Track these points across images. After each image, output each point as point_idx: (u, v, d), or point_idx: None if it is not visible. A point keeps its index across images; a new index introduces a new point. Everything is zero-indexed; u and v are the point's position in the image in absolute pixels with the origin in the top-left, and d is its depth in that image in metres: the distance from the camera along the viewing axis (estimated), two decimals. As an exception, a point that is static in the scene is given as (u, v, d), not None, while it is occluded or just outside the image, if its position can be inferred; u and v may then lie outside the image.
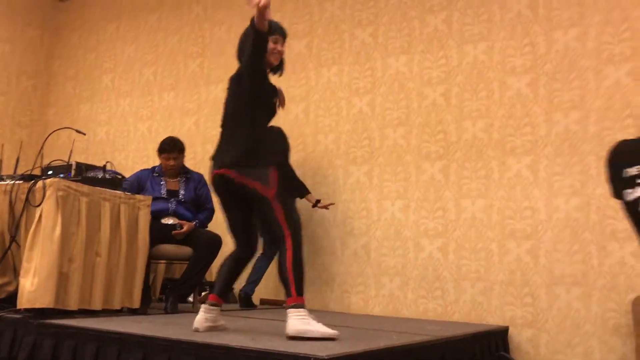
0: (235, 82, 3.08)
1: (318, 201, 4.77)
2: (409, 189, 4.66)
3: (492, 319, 4.20)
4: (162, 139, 4.70)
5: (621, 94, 4.03)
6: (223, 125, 3.08)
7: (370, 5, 5.07)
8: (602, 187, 3.99)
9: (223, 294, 3.09)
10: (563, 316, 3.98)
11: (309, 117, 5.18)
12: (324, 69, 5.19)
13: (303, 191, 4.77)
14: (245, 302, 4.63)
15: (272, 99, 3.16)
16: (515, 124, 4.35)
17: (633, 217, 2.20)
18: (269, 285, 5.03)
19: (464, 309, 4.32)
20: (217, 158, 3.00)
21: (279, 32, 3.14)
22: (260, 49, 2.94)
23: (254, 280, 4.67)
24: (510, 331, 4.11)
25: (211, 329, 2.93)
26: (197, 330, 2.88)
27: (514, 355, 4.02)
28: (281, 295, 5.12)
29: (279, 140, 4.70)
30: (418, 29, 4.83)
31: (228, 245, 5.14)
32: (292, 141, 4.98)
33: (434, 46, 4.74)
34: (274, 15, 5.50)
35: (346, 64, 5.09)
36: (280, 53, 3.12)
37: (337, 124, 5.05)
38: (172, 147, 4.41)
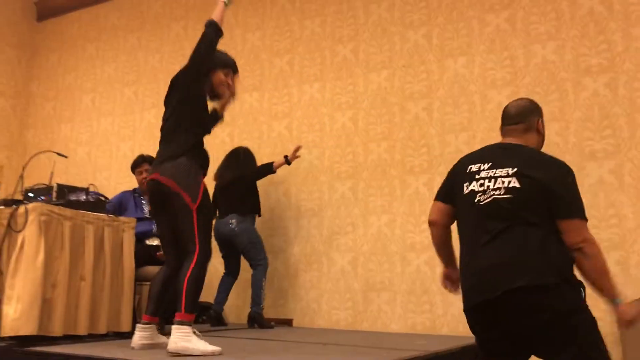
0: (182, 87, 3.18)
1: (286, 156, 4.79)
2: (394, 204, 4.67)
3: (481, 331, 4.20)
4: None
5: (600, 105, 4.10)
6: (163, 132, 3.21)
7: (350, 22, 5.10)
8: (584, 197, 4.03)
9: (156, 313, 3.16)
10: (550, 326, 4.00)
11: (292, 133, 5.18)
12: (306, 86, 5.21)
13: (258, 209, 4.78)
14: (217, 320, 4.61)
15: (210, 122, 3.32)
16: (498, 137, 4.36)
17: (467, 209, 2.31)
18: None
19: (453, 322, 4.32)
20: (156, 164, 3.11)
21: (231, 67, 3.31)
22: (211, 45, 3.12)
23: (221, 300, 4.68)
24: (499, 343, 4.11)
25: (149, 346, 3.03)
26: (133, 348, 2.98)
27: (503, 367, 4.02)
28: (266, 314, 5.11)
29: (245, 159, 4.75)
30: (399, 44, 4.87)
31: (211, 264, 5.13)
32: (275, 158, 4.98)
33: (414, 61, 4.78)
34: (255, 33, 5.55)
35: (328, 80, 5.12)
36: (230, 87, 3.24)
37: (321, 140, 5.06)
38: (141, 160, 4.49)
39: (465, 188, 2.35)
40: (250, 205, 4.70)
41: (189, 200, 2.94)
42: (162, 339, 3.09)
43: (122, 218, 3.80)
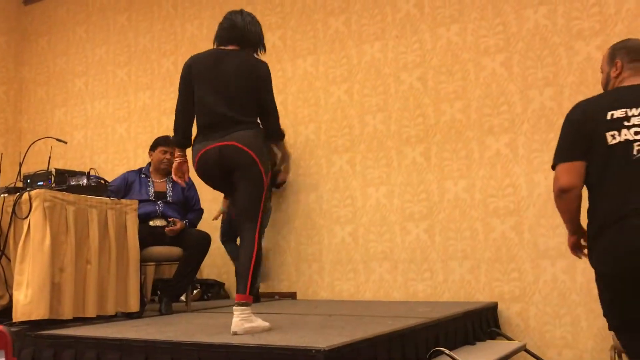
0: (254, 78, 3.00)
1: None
2: (392, 174, 4.72)
3: (481, 296, 4.30)
4: (141, 139, 4.70)
5: (593, 68, 4.12)
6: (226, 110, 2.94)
7: (341, -7, 5.08)
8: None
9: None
10: (549, 288, 4.09)
11: (288, 108, 5.19)
12: (299, 60, 5.20)
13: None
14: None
15: None
16: (492, 104, 4.42)
17: (617, 162, 2.05)
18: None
19: (453, 288, 4.41)
20: (225, 135, 2.89)
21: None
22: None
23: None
24: (500, 306, 4.21)
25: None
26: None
27: (504, 330, 4.13)
28: (270, 288, 5.19)
29: None
30: (390, 14, 4.86)
31: (217, 243, 5.19)
32: (272, 134, 4.99)
33: (407, 31, 4.78)
34: (245, 7, 5.50)
35: (321, 53, 5.11)
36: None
37: (317, 114, 5.08)
38: (169, 141, 4.32)
39: (610, 138, 2.08)
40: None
41: (263, 175, 2.88)
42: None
43: (124, 201, 3.84)
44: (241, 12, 3.20)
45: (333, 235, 4.91)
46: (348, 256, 4.82)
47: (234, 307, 2.81)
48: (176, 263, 4.20)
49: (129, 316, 3.73)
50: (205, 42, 5.65)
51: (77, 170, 4.31)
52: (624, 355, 3.65)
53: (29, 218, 3.24)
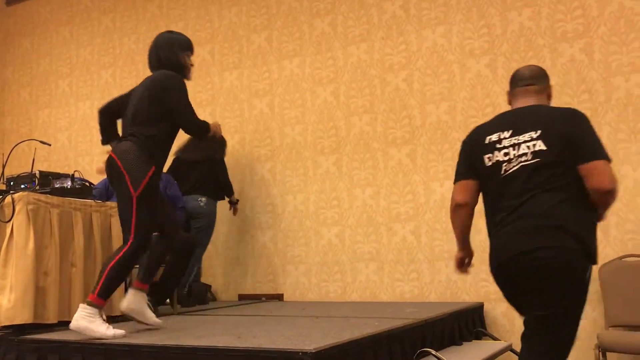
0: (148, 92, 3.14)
1: (235, 202, 4.98)
2: (378, 176, 4.73)
3: (468, 297, 4.32)
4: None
5: (576, 70, 4.16)
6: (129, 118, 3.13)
7: (327, -6, 5.08)
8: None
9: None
10: (534, 288, 4.12)
11: (274, 110, 5.18)
12: (285, 61, 5.20)
13: (229, 193, 4.96)
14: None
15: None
16: (477, 105, 4.45)
17: (492, 181, 2.36)
18: (247, 281, 5.07)
19: (440, 288, 4.43)
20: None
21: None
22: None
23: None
24: (486, 307, 4.24)
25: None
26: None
27: (490, 330, 4.15)
28: (256, 290, 5.18)
29: (220, 143, 4.82)
30: (376, 16, 4.87)
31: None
32: (258, 135, 5.00)
33: (393, 32, 4.79)
34: (230, 9, 5.50)
35: (307, 54, 5.11)
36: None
37: (303, 115, 5.08)
38: None
39: (487, 160, 2.37)
40: (219, 188, 4.86)
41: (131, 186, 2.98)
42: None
43: (109, 203, 3.80)
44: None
45: (320, 237, 4.91)
46: (335, 257, 4.82)
47: (80, 304, 2.90)
48: (163, 266, 4.16)
49: (114, 320, 3.69)
50: (190, 44, 5.63)
51: (61, 172, 4.27)
52: (608, 354, 3.70)
53: (12, 221, 3.20)
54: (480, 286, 4.30)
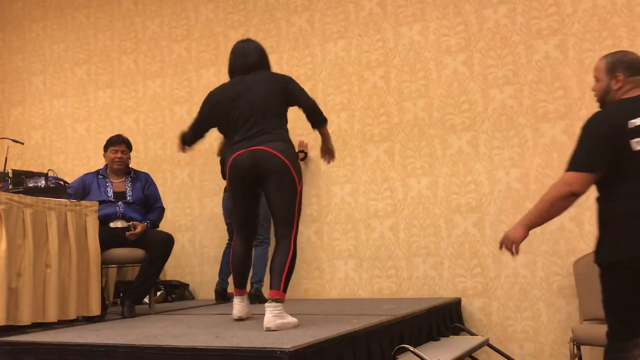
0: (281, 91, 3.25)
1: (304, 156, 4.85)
2: (356, 173, 4.74)
3: (445, 292, 4.36)
4: (102, 139, 4.62)
5: (551, 66, 4.21)
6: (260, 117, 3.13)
7: (304, -9, 5.07)
8: (539, 157, 4.18)
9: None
10: (511, 283, 4.17)
11: (252, 107, 5.15)
12: (262, 58, 5.16)
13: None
14: (258, 298, 4.47)
15: None
16: (454, 102, 4.48)
17: None
18: (230, 280, 5.03)
19: (417, 284, 4.46)
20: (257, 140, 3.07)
21: None
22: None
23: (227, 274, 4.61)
24: (463, 302, 4.28)
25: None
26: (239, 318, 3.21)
27: (467, 325, 4.19)
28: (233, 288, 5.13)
29: None
30: (353, 12, 4.87)
31: (179, 243, 5.13)
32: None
33: (370, 29, 4.80)
34: (207, 5, 5.45)
35: (285, 51, 5.09)
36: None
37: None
38: (119, 140, 4.40)
39: (635, 145, 2.27)
40: None
41: (297, 180, 3.06)
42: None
43: (84, 202, 3.76)
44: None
45: (299, 234, 4.87)
46: (313, 255, 4.82)
47: (267, 304, 2.91)
48: (139, 265, 4.13)
49: (91, 320, 3.66)
50: (166, 40, 5.58)
51: (35, 171, 4.21)
52: (582, 347, 3.76)
53: (-17, 222, 3.14)
54: (457, 282, 4.33)
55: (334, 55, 4.90)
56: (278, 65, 5.10)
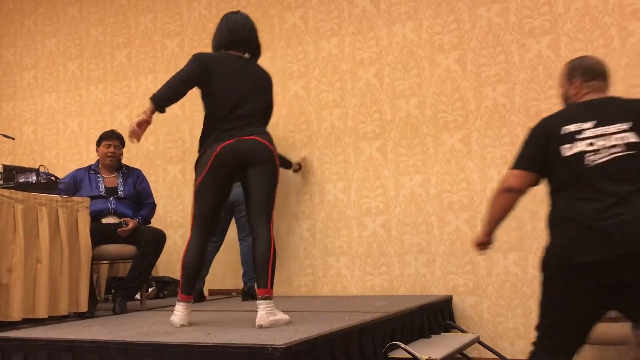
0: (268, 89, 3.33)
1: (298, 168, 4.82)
2: (349, 170, 4.74)
3: (436, 290, 4.37)
4: (93, 135, 4.60)
5: (544, 65, 4.23)
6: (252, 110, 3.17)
7: (298, -12, 5.06)
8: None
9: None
10: (502, 281, 4.19)
11: (245, 104, 5.14)
12: (256, 55, 5.15)
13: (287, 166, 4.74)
14: (251, 295, 4.44)
15: None
16: (447, 100, 4.49)
17: (573, 172, 2.25)
18: (216, 276, 5.03)
19: (409, 282, 4.47)
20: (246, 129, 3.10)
21: None
22: None
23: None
24: (454, 300, 4.29)
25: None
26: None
27: (458, 322, 4.21)
28: (226, 285, 5.15)
29: None
30: (347, 10, 4.87)
31: (171, 239, 5.12)
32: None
33: (363, 27, 4.80)
34: (200, 1, 5.43)
35: (278, 48, 5.08)
36: None
37: (274, 110, 5.02)
38: (112, 134, 4.40)
39: (565, 150, 2.27)
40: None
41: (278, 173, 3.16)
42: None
43: (75, 198, 3.74)
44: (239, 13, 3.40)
45: (292, 231, 4.90)
46: (306, 252, 4.83)
47: (258, 301, 2.92)
48: (130, 261, 4.12)
49: (81, 316, 3.65)
50: (159, 36, 5.56)
51: (26, 166, 4.19)
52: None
53: (-26, 217, 3.13)
54: (449, 279, 4.35)
55: (328, 53, 4.90)
56: (271, 62, 5.09)
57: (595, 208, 2.18)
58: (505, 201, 2.44)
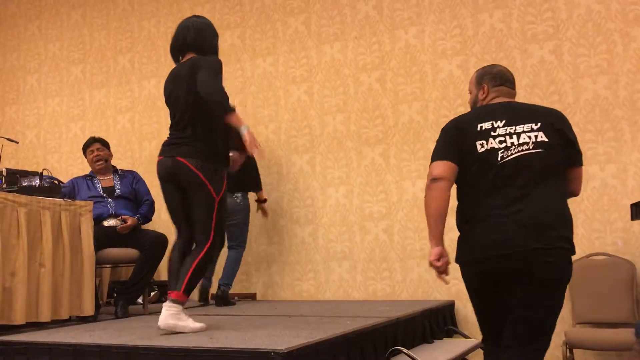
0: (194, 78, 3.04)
1: (264, 201, 4.79)
2: (351, 175, 4.74)
3: (439, 295, 4.37)
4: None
5: (546, 71, 4.24)
6: (183, 120, 3.07)
7: (301, -7, 5.08)
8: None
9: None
10: (504, 286, 4.18)
11: (247, 109, 5.16)
12: (259, 60, 5.17)
13: (258, 188, 4.75)
14: (222, 300, 4.46)
15: None
16: (449, 105, 4.49)
17: (485, 168, 2.30)
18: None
19: (411, 287, 4.47)
20: (174, 147, 3.05)
21: None
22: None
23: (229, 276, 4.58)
24: (457, 305, 4.29)
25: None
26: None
27: (461, 327, 4.20)
28: (231, 290, 5.14)
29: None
30: (350, 15, 4.88)
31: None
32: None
33: (366, 32, 4.81)
34: (204, 6, 5.45)
35: (281, 53, 5.10)
36: None
37: (277, 114, 5.06)
38: (90, 141, 4.51)
39: (479, 146, 2.32)
40: (252, 183, 4.67)
41: (212, 192, 3.01)
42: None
43: (79, 202, 3.75)
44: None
45: (293, 236, 4.90)
46: (308, 256, 4.83)
47: (164, 303, 2.91)
48: (133, 265, 4.12)
49: (84, 320, 3.65)
50: (162, 40, 5.57)
51: (29, 170, 4.20)
52: (575, 350, 3.78)
53: (-23, 221, 3.13)
54: (451, 284, 4.33)
55: (330, 58, 4.91)
56: (274, 67, 5.11)
57: (499, 204, 2.25)
58: (437, 193, 2.32)
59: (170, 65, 5.46)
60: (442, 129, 2.50)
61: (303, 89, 4.99)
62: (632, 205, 3.52)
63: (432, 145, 4.59)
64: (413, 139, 4.57)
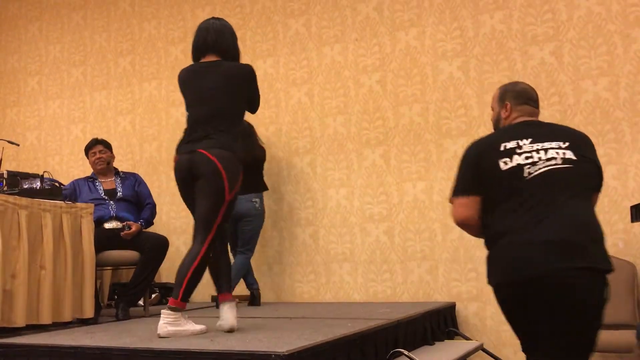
0: (233, 84, 3.18)
1: None
2: (352, 176, 4.74)
3: (440, 296, 4.36)
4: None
5: (547, 72, 4.24)
6: (213, 116, 3.08)
7: (301, -5, 5.08)
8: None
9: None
10: (505, 288, 4.18)
11: (248, 110, 5.15)
12: (259, 61, 5.17)
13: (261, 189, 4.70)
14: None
15: None
16: (450, 107, 4.49)
17: (511, 185, 2.22)
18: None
19: (412, 288, 4.46)
20: (194, 143, 3.04)
21: None
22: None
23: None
24: (457, 306, 4.28)
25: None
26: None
27: (462, 329, 4.20)
28: (234, 292, 5.13)
29: (255, 138, 4.62)
30: (350, 17, 4.88)
31: (174, 246, 5.12)
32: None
33: (367, 34, 4.81)
34: (204, 8, 5.45)
35: (281, 55, 5.10)
36: None
37: (277, 116, 5.07)
38: (93, 142, 4.52)
39: (502, 164, 2.23)
40: (261, 184, 4.64)
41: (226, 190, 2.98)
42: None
43: (79, 204, 3.75)
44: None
45: (294, 237, 4.90)
46: (308, 258, 4.83)
47: (162, 310, 2.90)
48: (134, 267, 4.13)
49: (85, 322, 3.65)
50: (163, 42, 5.58)
51: (30, 172, 4.21)
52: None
53: (-22, 223, 3.14)
54: (452, 286, 4.34)
55: (331, 59, 4.91)
56: (275, 68, 5.11)
57: (527, 222, 2.15)
58: (471, 232, 2.38)
59: (171, 66, 5.50)
60: (463, 155, 2.40)
61: (303, 91, 4.99)
62: (632, 207, 3.51)
63: (433, 147, 4.63)
64: (414, 141, 4.57)
